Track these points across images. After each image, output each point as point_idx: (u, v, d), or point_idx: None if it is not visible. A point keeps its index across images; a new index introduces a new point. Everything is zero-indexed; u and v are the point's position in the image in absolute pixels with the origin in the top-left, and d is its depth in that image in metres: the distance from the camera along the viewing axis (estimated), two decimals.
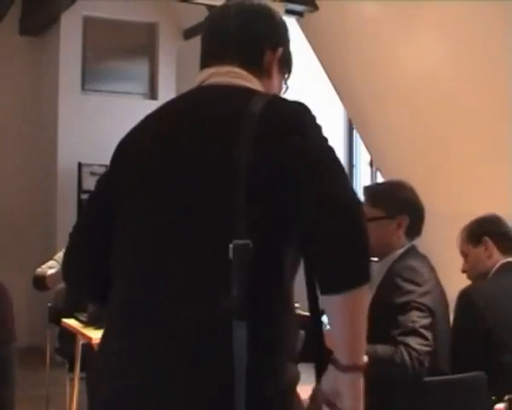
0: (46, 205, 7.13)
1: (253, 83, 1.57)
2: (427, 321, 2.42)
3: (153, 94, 7.37)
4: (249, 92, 1.51)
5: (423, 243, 2.84)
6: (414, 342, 2.35)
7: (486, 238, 2.78)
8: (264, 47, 1.60)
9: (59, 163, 6.85)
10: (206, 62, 1.62)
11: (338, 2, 5.13)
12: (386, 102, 5.04)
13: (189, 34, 7.26)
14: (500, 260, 2.76)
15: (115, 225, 1.54)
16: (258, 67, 1.59)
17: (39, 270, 4.54)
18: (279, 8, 5.28)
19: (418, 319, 2.41)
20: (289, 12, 5.37)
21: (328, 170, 1.38)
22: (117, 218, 1.54)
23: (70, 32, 6.91)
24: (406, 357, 2.33)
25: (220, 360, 1.35)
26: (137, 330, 1.45)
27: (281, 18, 1.67)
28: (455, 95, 4.43)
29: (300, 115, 1.46)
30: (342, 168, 1.41)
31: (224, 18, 1.63)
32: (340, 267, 1.32)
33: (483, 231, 2.81)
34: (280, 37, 1.65)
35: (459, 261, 4.21)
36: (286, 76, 1.68)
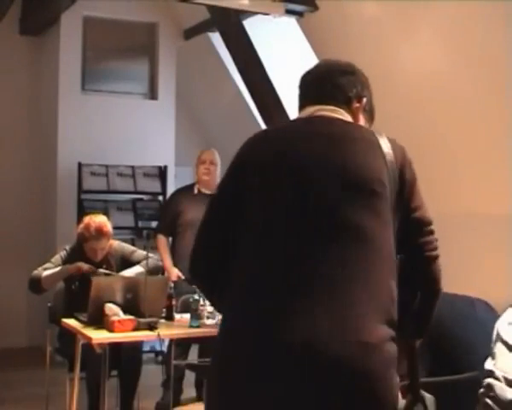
0: (46, 205, 7.13)
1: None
2: None
3: (153, 94, 7.37)
4: (361, 125, 2.00)
5: None
6: None
7: None
8: (350, 96, 2.03)
9: (59, 163, 6.85)
10: (307, 102, 2.03)
11: (338, 2, 5.13)
12: (387, 102, 5.02)
13: (189, 34, 7.24)
14: None
15: (247, 221, 1.84)
16: (348, 111, 2.01)
17: (35, 272, 4.54)
18: (279, 8, 5.27)
19: None
20: (289, 12, 5.36)
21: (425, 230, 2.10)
22: (249, 216, 1.84)
23: (70, 32, 6.91)
24: None
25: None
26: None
27: (363, 74, 2.12)
28: (455, 95, 4.42)
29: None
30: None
31: (319, 71, 2.08)
32: (420, 331, 1.99)
33: None
34: (363, 89, 2.08)
35: (460, 261, 4.21)
36: (370, 122, 2.11)
